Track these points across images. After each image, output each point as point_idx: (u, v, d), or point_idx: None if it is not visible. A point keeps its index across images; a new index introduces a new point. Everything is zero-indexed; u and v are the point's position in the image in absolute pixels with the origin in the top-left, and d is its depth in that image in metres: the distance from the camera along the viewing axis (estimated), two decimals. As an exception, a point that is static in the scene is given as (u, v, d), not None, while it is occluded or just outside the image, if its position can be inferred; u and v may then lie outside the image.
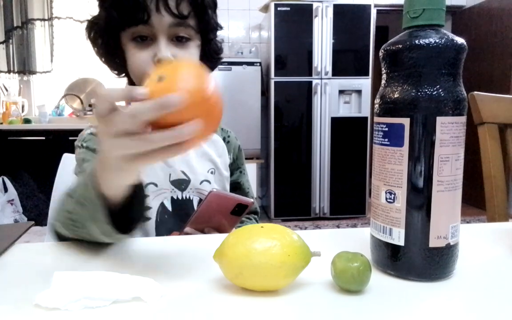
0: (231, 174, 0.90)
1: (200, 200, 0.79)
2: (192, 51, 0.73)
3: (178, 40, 0.71)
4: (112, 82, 3.72)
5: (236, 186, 0.91)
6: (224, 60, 0.84)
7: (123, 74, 0.79)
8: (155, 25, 0.68)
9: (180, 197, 0.79)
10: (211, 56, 0.79)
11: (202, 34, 0.75)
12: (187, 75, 0.40)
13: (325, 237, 0.62)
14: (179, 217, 0.77)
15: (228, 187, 0.88)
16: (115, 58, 0.76)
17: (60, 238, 0.60)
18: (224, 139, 0.89)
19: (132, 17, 0.67)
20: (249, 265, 0.40)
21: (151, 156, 0.39)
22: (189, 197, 0.80)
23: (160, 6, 0.66)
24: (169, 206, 0.78)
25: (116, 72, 0.79)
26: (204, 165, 0.83)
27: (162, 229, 0.77)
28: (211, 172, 0.84)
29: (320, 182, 3.37)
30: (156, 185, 0.77)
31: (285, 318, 0.37)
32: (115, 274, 0.43)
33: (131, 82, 0.79)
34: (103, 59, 0.77)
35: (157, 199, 0.77)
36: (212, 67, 0.82)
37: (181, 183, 0.79)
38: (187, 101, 0.37)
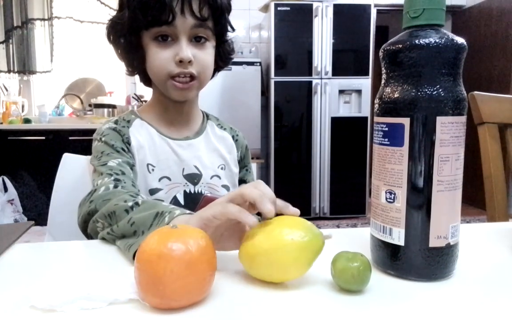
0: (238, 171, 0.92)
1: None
2: (209, 51, 0.77)
3: (197, 41, 0.75)
4: (111, 82, 3.70)
5: (242, 184, 0.92)
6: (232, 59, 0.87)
7: (136, 72, 0.82)
8: (178, 26, 0.72)
9: (192, 191, 0.81)
10: (224, 56, 0.84)
11: (218, 35, 0.79)
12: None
13: (325, 237, 0.62)
14: (191, 211, 0.79)
15: (237, 183, 0.90)
16: (134, 56, 0.79)
17: (88, 221, 0.65)
18: (233, 137, 0.92)
19: (158, 18, 0.71)
20: (264, 258, 0.43)
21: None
22: (201, 191, 0.82)
23: (184, 9, 0.71)
24: (181, 199, 0.80)
25: (131, 69, 0.82)
26: (215, 160, 0.86)
27: None
28: (221, 168, 0.86)
29: (320, 182, 3.37)
30: (169, 179, 0.79)
31: (285, 317, 0.37)
32: (112, 275, 0.43)
33: (145, 79, 0.81)
34: (121, 57, 0.80)
35: (170, 192, 0.79)
36: (224, 66, 0.86)
37: (194, 177, 0.81)
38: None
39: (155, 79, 0.78)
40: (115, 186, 0.67)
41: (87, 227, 0.65)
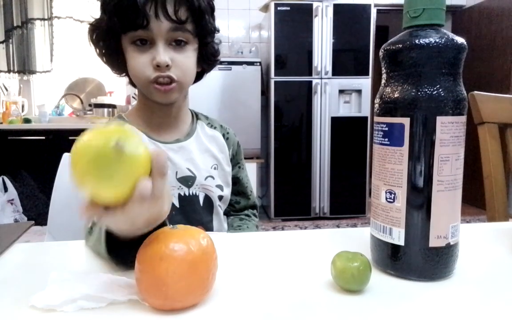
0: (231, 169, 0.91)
1: (206, 196, 0.82)
2: (189, 55, 0.75)
3: (176, 44, 0.73)
4: (111, 81, 3.69)
5: (235, 181, 0.92)
6: (224, 60, 0.85)
7: (124, 74, 0.81)
8: (154, 30, 0.70)
9: (187, 194, 0.80)
10: (208, 58, 0.81)
11: (199, 37, 0.77)
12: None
13: (325, 237, 0.62)
14: (186, 213, 0.80)
15: (230, 181, 0.89)
16: (116, 59, 0.78)
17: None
18: (223, 136, 0.90)
19: (132, 23, 0.69)
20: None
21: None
22: (195, 193, 0.81)
23: (158, 12, 0.69)
24: (176, 202, 0.79)
25: (116, 72, 0.81)
26: (207, 161, 0.85)
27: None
28: (214, 168, 0.85)
29: (320, 182, 3.37)
30: None
31: (285, 317, 0.37)
32: (111, 275, 0.43)
33: (132, 82, 0.80)
34: (104, 60, 0.79)
35: None
36: (209, 69, 0.84)
37: (187, 180, 0.81)
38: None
39: (136, 84, 0.77)
40: None
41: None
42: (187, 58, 0.75)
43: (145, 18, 0.68)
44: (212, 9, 0.77)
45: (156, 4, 0.68)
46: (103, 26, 0.74)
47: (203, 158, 0.84)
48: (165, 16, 0.69)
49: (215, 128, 0.90)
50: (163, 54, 0.70)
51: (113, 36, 0.74)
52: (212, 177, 0.84)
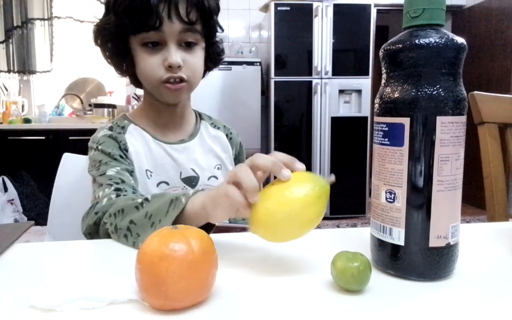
0: None
1: None
2: (198, 55, 0.76)
3: (186, 45, 0.74)
4: (111, 81, 3.69)
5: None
6: (224, 59, 0.86)
7: (126, 74, 0.81)
8: (166, 32, 0.70)
9: None
10: (214, 58, 0.83)
11: (207, 37, 0.78)
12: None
13: (325, 237, 0.62)
14: None
15: None
16: (122, 60, 0.78)
17: (94, 232, 0.65)
18: (227, 136, 0.91)
19: (144, 24, 0.69)
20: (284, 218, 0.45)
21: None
22: None
23: (171, 14, 0.69)
24: None
25: (120, 72, 0.81)
26: (211, 161, 0.85)
27: None
28: (218, 168, 0.86)
29: (320, 182, 3.36)
30: (167, 183, 0.79)
31: (285, 317, 0.37)
32: (111, 275, 0.43)
33: (135, 82, 0.81)
34: (109, 61, 0.79)
35: None
36: (214, 67, 0.85)
37: (191, 180, 0.81)
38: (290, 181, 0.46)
39: (146, 85, 0.77)
40: (117, 196, 0.66)
41: (93, 237, 0.65)
42: (197, 58, 0.76)
43: (158, 19, 0.68)
44: (219, 9, 0.79)
45: (169, 6, 0.69)
46: (110, 27, 0.73)
47: (207, 158, 0.85)
48: (177, 17, 0.70)
49: (218, 128, 0.91)
50: (175, 55, 0.71)
51: (121, 37, 0.74)
52: (216, 177, 0.84)
